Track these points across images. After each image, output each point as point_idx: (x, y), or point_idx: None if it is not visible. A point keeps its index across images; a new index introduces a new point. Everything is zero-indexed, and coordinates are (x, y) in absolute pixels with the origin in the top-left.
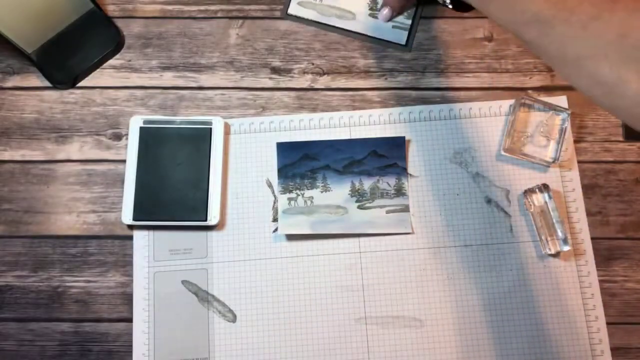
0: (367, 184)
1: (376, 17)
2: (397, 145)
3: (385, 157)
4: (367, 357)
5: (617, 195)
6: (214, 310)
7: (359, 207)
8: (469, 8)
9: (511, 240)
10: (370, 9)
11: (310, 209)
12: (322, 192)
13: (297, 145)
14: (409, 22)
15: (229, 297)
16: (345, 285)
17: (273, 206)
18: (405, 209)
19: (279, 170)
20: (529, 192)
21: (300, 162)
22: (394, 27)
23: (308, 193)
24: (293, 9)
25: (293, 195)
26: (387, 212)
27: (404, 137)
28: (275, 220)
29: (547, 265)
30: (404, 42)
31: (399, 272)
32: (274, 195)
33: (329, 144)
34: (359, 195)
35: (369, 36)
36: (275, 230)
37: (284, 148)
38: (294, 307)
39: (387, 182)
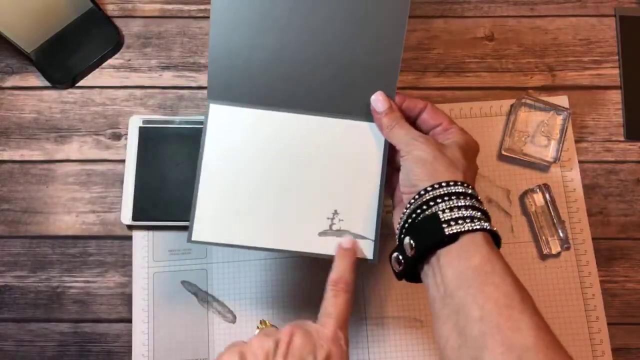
0: None
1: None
2: None
3: None
4: (367, 357)
5: (618, 195)
6: (213, 311)
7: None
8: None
9: (512, 240)
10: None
11: None
12: None
13: None
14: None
15: (229, 297)
16: None
17: None
18: None
19: None
20: (529, 192)
21: None
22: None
23: None
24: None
25: None
26: None
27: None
28: None
29: (548, 266)
30: (371, 256)
31: None
32: None
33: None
34: None
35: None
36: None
37: None
38: (294, 307)
39: None
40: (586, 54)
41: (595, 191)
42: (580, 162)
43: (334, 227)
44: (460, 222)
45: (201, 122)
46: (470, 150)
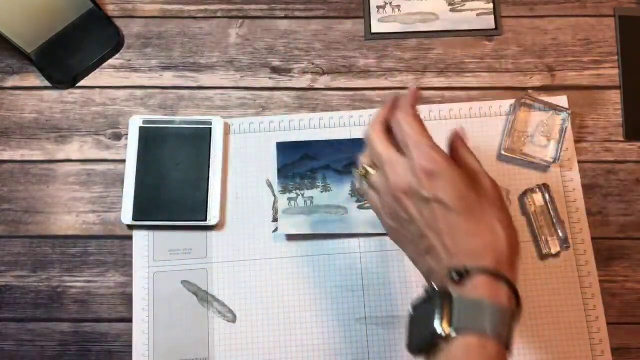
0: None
1: (459, 11)
2: None
3: None
4: (367, 357)
5: (618, 195)
6: (214, 310)
7: (359, 207)
8: None
9: None
10: (450, 4)
11: (310, 209)
12: (322, 192)
13: (297, 145)
14: (491, 5)
15: (229, 297)
16: (345, 285)
17: (273, 206)
18: None
19: (279, 170)
20: (529, 192)
21: (300, 162)
22: (478, 14)
23: (308, 193)
24: (375, 28)
25: (293, 195)
26: None
27: None
28: (275, 220)
29: (548, 266)
30: (493, 26)
31: (399, 272)
32: (274, 195)
33: (329, 144)
34: (359, 195)
35: (457, 31)
36: (275, 230)
37: (284, 148)
38: (294, 307)
39: None
40: (586, 54)
41: (594, 191)
42: (579, 162)
43: None
44: None
45: (202, 122)
46: None
